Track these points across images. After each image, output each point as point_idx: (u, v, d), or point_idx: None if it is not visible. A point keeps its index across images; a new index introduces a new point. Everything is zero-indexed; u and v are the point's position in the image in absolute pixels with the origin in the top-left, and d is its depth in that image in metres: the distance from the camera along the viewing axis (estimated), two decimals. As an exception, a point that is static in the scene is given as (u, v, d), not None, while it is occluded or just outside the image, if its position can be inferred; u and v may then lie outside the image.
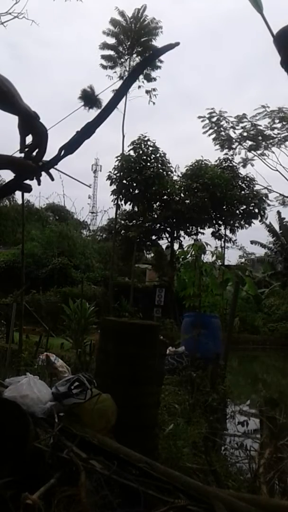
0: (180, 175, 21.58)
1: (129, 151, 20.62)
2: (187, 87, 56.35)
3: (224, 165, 21.69)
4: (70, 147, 1.54)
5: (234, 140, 18.62)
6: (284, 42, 1.35)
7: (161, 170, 20.56)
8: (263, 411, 3.42)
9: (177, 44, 1.46)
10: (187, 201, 20.29)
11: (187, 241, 21.33)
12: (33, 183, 1.60)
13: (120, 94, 1.60)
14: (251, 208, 21.48)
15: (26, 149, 1.55)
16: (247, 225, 21.96)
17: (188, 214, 19.97)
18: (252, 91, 53.09)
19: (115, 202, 20.46)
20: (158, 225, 21.79)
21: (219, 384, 6.32)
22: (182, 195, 20.77)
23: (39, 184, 1.59)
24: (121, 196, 20.46)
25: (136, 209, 21.47)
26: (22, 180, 1.57)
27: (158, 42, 20.33)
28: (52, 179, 1.63)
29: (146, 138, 20.79)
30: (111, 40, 20.29)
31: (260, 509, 1.78)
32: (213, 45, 58.90)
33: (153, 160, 20.58)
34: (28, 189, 1.60)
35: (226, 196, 20.37)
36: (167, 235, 22.33)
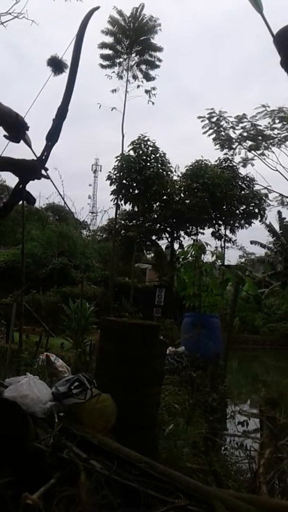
0: (180, 175, 21.57)
1: (129, 151, 20.63)
2: (187, 87, 56.32)
3: (224, 165, 21.67)
4: (53, 135, 1.64)
5: (234, 140, 18.63)
6: (284, 42, 1.35)
7: (161, 170, 20.55)
8: (263, 411, 3.42)
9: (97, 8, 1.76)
10: (187, 201, 20.28)
11: (187, 241, 21.32)
12: (36, 186, 1.65)
13: (74, 61, 1.67)
14: (251, 208, 21.46)
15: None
16: (247, 225, 21.95)
17: (188, 214, 19.95)
18: (253, 91, 53.02)
19: (115, 202, 20.48)
20: (158, 225, 21.78)
21: (219, 384, 6.32)
22: (182, 195, 20.76)
23: (39, 178, 1.63)
24: (121, 196, 20.45)
25: (136, 209, 21.46)
26: (25, 182, 1.60)
27: (157, 40, 20.37)
28: (49, 177, 1.67)
29: (146, 138, 20.79)
30: (110, 39, 20.30)
31: (260, 509, 1.78)
32: (213, 45, 58.79)
33: (153, 160, 20.57)
34: (33, 201, 1.66)
35: (226, 196, 20.35)
36: (167, 235, 22.33)
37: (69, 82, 1.65)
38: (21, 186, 1.66)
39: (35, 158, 1.67)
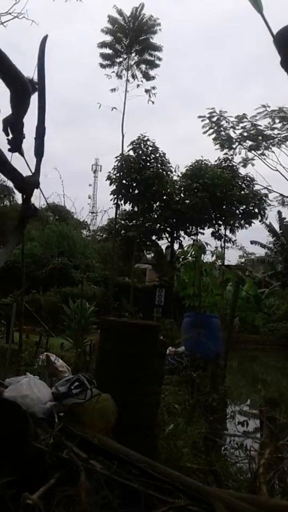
0: (180, 175, 21.57)
1: (128, 151, 20.63)
2: (187, 87, 56.16)
3: (224, 165, 21.64)
4: (39, 151, 1.91)
5: (234, 140, 18.59)
6: (284, 42, 1.35)
7: (161, 170, 20.54)
8: (263, 411, 3.42)
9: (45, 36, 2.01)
10: (187, 201, 20.27)
11: (187, 241, 21.31)
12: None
13: (40, 82, 1.85)
14: (251, 208, 21.44)
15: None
16: (247, 225, 21.92)
17: (188, 214, 19.95)
18: (253, 91, 52.93)
19: (115, 202, 20.47)
20: (158, 225, 21.78)
21: (219, 384, 6.32)
22: (182, 195, 20.76)
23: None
24: (121, 196, 20.45)
25: (136, 209, 21.46)
26: (30, 196, 1.94)
27: (157, 40, 20.38)
28: (41, 191, 2.16)
29: (145, 138, 20.80)
30: (109, 39, 20.31)
31: (260, 509, 1.78)
32: (213, 45, 58.69)
33: (152, 160, 20.57)
34: (36, 212, 2.04)
35: (226, 196, 20.34)
36: (167, 235, 22.33)
37: (40, 104, 1.85)
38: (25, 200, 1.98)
39: (28, 171, 1.95)
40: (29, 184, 1.89)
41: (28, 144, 1.89)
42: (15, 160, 1.92)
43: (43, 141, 1.90)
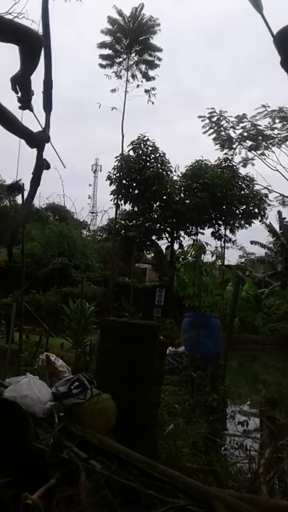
0: (180, 175, 21.58)
1: (128, 151, 20.63)
2: (187, 87, 56.13)
3: (224, 165, 21.64)
4: (48, 105, 1.91)
5: (234, 140, 18.61)
6: (284, 42, 1.36)
7: (160, 170, 20.54)
8: (263, 411, 3.41)
9: None
10: (187, 201, 20.27)
11: (187, 241, 21.31)
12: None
13: (46, 36, 1.84)
14: (251, 208, 21.43)
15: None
16: (247, 225, 21.92)
17: (188, 214, 19.94)
18: (253, 91, 52.91)
19: (115, 202, 20.47)
20: (158, 225, 21.77)
21: (219, 384, 6.32)
22: (182, 195, 20.75)
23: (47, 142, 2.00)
24: (121, 196, 20.44)
25: (136, 209, 21.46)
26: (41, 150, 1.94)
27: (157, 40, 20.39)
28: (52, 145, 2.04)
29: (145, 138, 20.80)
30: (109, 39, 20.31)
31: (260, 509, 1.78)
32: (213, 45, 58.69)
33: (152, 160, 20.57)
34: (49, 166, 1.97)
35: (226, 196, 20.34)
36: (167, 235, 22.32)
37: (46, 58, 1.87)
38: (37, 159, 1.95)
39: (39, 127, 1.96)
40: (39, 139, 1.92)
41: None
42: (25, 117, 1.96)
43: (51, 95, 1.90)
